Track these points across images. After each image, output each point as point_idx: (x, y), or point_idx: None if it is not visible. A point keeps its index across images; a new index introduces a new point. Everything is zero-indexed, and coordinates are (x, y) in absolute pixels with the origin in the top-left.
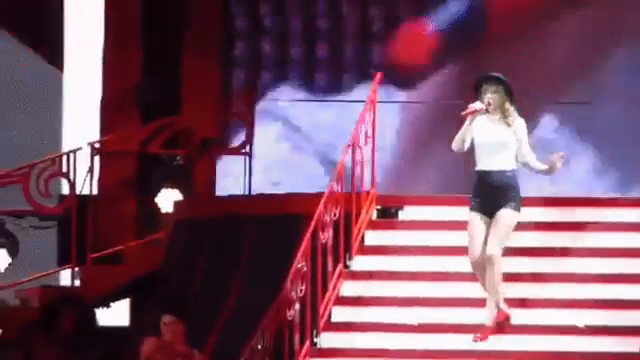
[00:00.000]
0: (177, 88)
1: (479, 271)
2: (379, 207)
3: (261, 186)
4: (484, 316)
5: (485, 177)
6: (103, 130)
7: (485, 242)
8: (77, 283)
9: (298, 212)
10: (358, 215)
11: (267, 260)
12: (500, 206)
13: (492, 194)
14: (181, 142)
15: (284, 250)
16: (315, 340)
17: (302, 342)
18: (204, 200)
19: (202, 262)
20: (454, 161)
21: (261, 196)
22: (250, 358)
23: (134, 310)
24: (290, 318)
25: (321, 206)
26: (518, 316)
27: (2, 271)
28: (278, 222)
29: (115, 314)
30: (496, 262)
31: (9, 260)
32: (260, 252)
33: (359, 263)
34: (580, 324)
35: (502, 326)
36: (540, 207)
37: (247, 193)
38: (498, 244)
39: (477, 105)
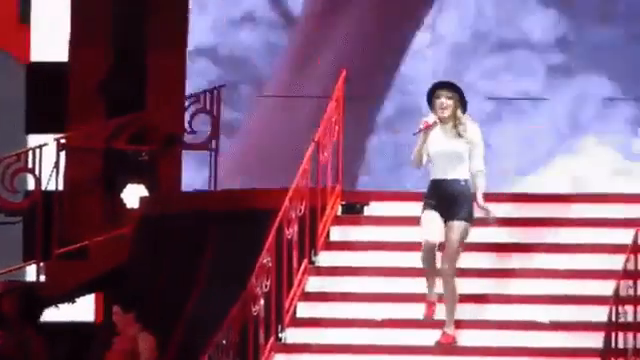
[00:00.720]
0: (142, 84)
1: (429, 259)
2: (344, 203)
3: (227, 182)
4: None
5: (439, 185)
6: (69, 126)
7: (438, 230)
8: (42, 278)
9: (264, 208)
10: (323, 211)
11: (232, 256)
12: (452, 216)
13: (445, 202)
14: (146, 138)
15: (250, 246)
16: (280, 335)
17: (267, 337)
18: (169, 196)
19: (167, 257)
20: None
21: (226, 192)
22: (215, 353)
23: (99, 306)
24: (255, 313)
25: (287, 202)
26: (481, 312)
27: None
28: (244, 218)
29: (80, 310)
30: (449, 278)
31: None
32: (225, 248)
33: (324, 259)
34: (544, 319)
35: (446, 348)
36: (507, 203)
37: (212, 189)
38: (452, 256)
39: (430, 119)
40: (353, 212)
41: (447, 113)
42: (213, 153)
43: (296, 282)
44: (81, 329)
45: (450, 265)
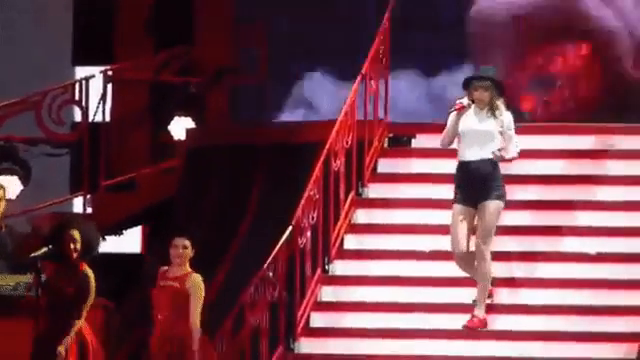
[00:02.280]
0: (190, 16)
1: (462, 265)
2: (391, 135)
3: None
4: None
5: (468, 167)
6: (116, 58)
7: (469, 236)
8: (89, 210)
9: (311, 140)
10: (370, 143)
11: (280, 188)
12: (484, 197)
13: (475, 184)
14: (195, 70)
15: (297, 178)
16: (327, 267)
17: (314, 269)
18: (217, 128)
19: (215, 190)
20: None
21: (274, 124)
22: (261, 285)
23: (146, 237)
24: (302, 245)
25: (333, 134)
26: (510, 296)
27: (14, 198)
28: (292, 150)
29: (127, 241)
30: (485, 256)
31: (21, 187)
32: (273, 180)
33: (372, 191)
34: (592, 251)
35: (476, 333)
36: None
37: (260, 121)
38: (486, 237)
39: (464, 101)
40: (400, 144)
41: (483, 105)
42: (262, 86)
43: (343, 214)
44: (128, 261)
45: (484, 246)
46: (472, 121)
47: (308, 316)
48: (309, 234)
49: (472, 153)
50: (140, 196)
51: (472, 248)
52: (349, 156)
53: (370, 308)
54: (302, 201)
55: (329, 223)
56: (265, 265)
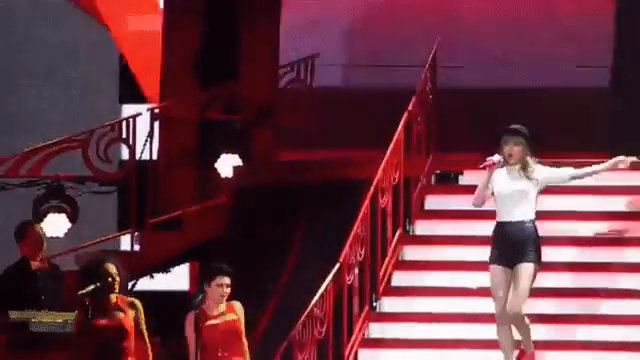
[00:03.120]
0: (236, 53)
1: (501, 321)
2: (438, 172)
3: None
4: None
5: (505, 228)
6: (163, 96)
7: (507, 295)
8: (137, 248)
9: (358, 177)
10: (417, 180)
11: (326, 226)
12: (519, 259)
13: (511, 245)
14: (240, 108)
15: (344, 215)
16: (375, 304)
17: (361, 306)
18: (264, 166)
19: (262, 227)
20: None
21: (320, 162)
22: (309, 323)
23: (193, 275)
24: (349, 282)
25: (381, 171)
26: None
27: (62, 236)
28: (338, 187)
29: (175, 279)
30: (520, 319)
31: (69, 225)
32: (320, 218)
33: (420, 227)
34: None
35: None
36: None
37: (307, 158)
38: (520, 302)
39: (495, 158)
40: (447, 181)
41: (514, 160)
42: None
43: (390, 251)
44: (176, 298)
45: (516, 311)
46: (505, 181)
47: (356, 353)
48: (356, 271)
49: (508, 215)
50: (187, 234)
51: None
52: (396, 193)
53: (418, 345)
54: (349, 238)
55: (376, 260)
56: (312, 302)
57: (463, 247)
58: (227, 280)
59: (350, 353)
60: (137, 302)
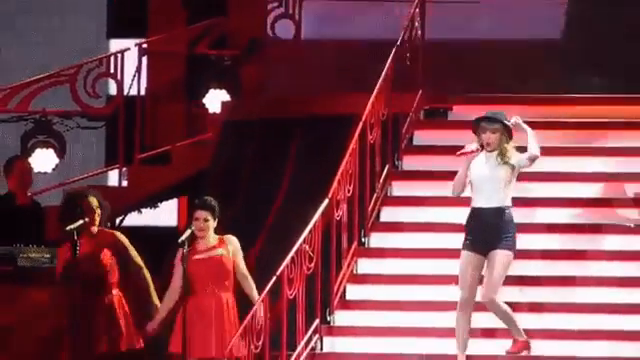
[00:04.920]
0: None
1: (464, 309)
2: (427, 107)
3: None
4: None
5: (481, 214)
6: (150, 31)
7: (475, 284)
8: (124, 183)
9: (346, 112)
10: (406, 116)
11: (315, 161)
12: (494, 245)
13: (486, 232)
14: (229, 43)
15: (332, 151)
16: (363, 240)
17: (350, 242)
18: (252, 101)
19: (250, 163)
20: None
21: (309, 96)
22: (297, 259)
23: (182, 210)
24: (338, 218)
25: (369, 106)
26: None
27: (50, 172)
28: (326, 123)
29: (163, 214)
30: (496, 305)
31: (57, 161)
32: (308, 153)
33: (408, 163)
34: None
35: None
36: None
37: (295, 93)
38: (494, 289)
39: (473, 146)
40: (436, 117)
41: (492, 148)
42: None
43: (379, 187)
44: (164, 234)
45: (492, 297)
46: (482, 168)
47: (344, 289)
48: (345, 207)
49: (484, 200)
50: (175, 169)
51: (477, 298)
52: (385, 129)
53: (406, 280)
54: (338, 173)
55: (365, 196)
56: (301, 238)
57: (450, 182)
58: (202, 214)
59: (339, 289)
60: (117, 233)
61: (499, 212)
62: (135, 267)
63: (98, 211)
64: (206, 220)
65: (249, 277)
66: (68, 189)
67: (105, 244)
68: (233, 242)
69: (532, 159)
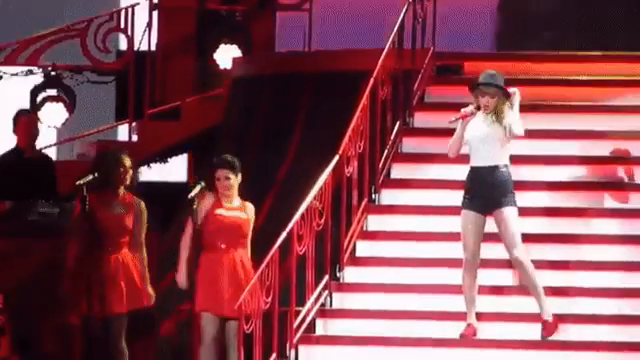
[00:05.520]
0: None
1: (469, 267)
2: (439, 64)
3: (321, 42)
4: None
5: (479, 173)
6: None
7: (478, 241)
8: (134, 138)
9: (358, 69)
10: (418, 72)
11: (326, 117)
12: (498, 204)
13: (485, 191)
14: None
15: (343, 107)
16: (374, 196)
17: (360, 199)
18: (263, 57)
19: (261, 119)
20: None
21: (320, 53)
22: (307, 215)
23: (191, 166)
24: (348, 175)
25: (380, 62)
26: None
27: (59, 126)
28: (337, 79)
29: (173, 170)
30: (526, 264)
31: (66, 115)
32: (319, 109)
33: (419, 120)
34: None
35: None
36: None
37: (307, 49)
38: (515, 244)
39: (468, 109)
40: (448, 74)
41: (489, 110)
42: (308, 13)
43: (390, 143)
44: (174, 189)
45: (519, 253)
46: (479, 128)
47: (354, 245)
48: (355, 163)
49: (482, 159)
50: (185, 124)
51: (481, 255)
52: (396, 84)
53: (416, 237)
54: (349, 130)
55: (375, 153)
56: (311, 194)
57: None
58: (223, 173)
59: (348, 245)
60: (143, 205)
61: (497, 171)
62: (138, 244)
63: (130, 171)
64: (227, 178)
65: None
66: (80, 144)
67: (129, 206)
68: (252, 210)
69: (514, 136)
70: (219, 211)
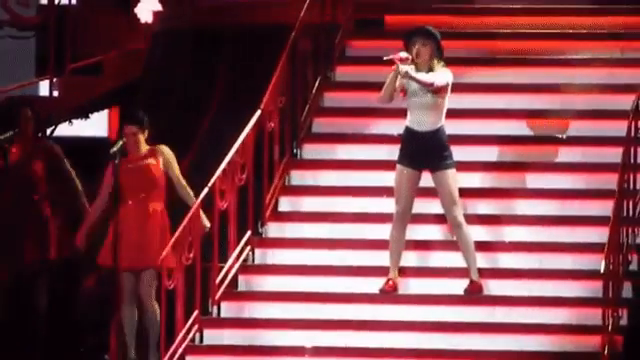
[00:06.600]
0: None
1: (399, 222)
2: (359, 17)
3: None
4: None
5: (414, 136)
6: None
7: (411, 197)
8: (55, 94)
9: (278, 21)
10: (339, 25)
11: (247, 71)
12: (437, 165)
13: (422, 152)
14: None
15: (264, 61)
16: (295, 151)
17: (282, 154)
18: (183, 10)
19: (182, 73)
20: None
21: (240, 4)
22: (229, 169)
23: (113, 121)
24: (270, 130)
25: (301, 16)
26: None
27: None
28: (258, 32)
29: (94, 125)
30: (463, 225)
31: None
32: (240, 62)
33: (341, 74)
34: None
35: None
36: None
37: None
38: (454, 205)
39: (402, 54)
40: (368, 26)
41: (421, 59)
42: None
43: (311, 98)
44: (95, 144)
45: (455, 215)
46: (413, 92)
47: (276, 201)
48: (277, 118)
49: (417, 124)
50: (106, 79)
51: (413, 210)
52: (317, 39)
53: (340, 192)
54: (270, 85)
55: (296, 107)
56: (233, 149)
57: None
58: (131, 129)
59: (271, 200)
60: (51, 144)
61: (433, 134)
62: (66, 177)
63: (32, 122)
64: (134, 134)
65: (186, 186)
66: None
67: (38, 154)
68: (165, 152)
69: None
70: (126, 165)
